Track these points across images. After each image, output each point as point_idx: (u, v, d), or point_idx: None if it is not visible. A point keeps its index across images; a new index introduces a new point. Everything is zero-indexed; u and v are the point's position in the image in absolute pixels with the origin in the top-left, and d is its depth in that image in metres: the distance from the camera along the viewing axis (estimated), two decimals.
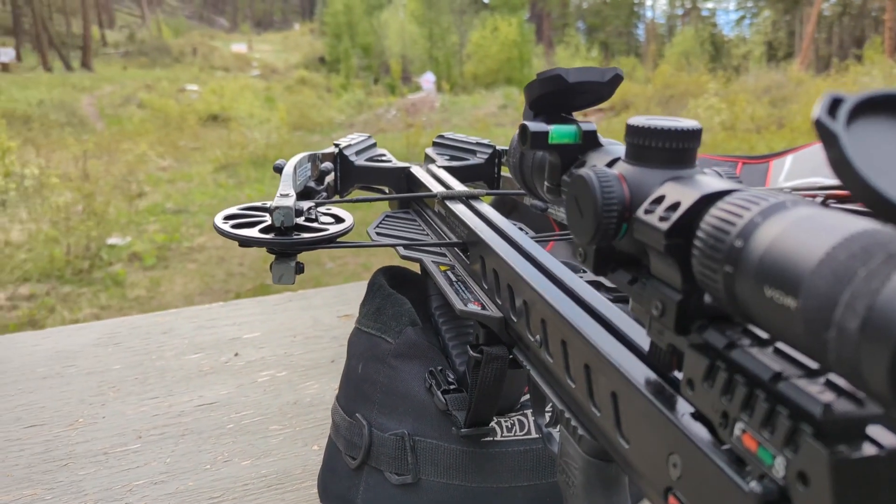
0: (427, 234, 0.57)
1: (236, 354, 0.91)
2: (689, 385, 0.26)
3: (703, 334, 0.26)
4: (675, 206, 0.26)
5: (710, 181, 0.27)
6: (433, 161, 0.70)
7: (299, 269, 0.49)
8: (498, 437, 0.52)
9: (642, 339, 0.32)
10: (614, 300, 0.36)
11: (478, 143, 0.72)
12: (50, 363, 0.89)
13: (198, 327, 0.99)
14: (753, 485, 0.22)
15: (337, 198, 0.67)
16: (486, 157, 0.70)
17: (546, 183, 0.35)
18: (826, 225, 0.20)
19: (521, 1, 21.44)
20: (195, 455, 0.70)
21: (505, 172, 0.71)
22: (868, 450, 0.20)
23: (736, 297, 0.23)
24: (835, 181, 0.78)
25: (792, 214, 0.22)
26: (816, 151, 0.90)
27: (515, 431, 0.52)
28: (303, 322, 1.01)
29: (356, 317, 0.61)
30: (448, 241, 0.53)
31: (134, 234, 4.92)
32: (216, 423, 0.75)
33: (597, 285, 0.41)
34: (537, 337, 0.38)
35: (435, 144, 0.75)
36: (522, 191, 0.51)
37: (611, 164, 0.31)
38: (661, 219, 0.26)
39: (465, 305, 0.44)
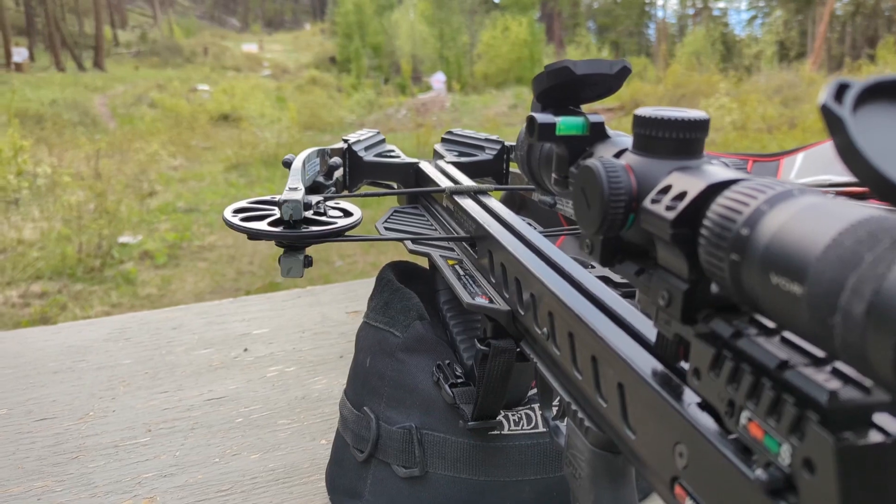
0: (435, 229, 0.57)
1: (245, 350, 0.91)
2: (695, 374, 0.26)
3: (710, 324, 0.26)
4: (681, 196, 0.26)
5: (716, 171, 0.27)
6: (442, 157, 0.70)
7: (308, 262, 0.49)
8: (505, 431, 0.52)
9: (649, 331, 0.32)
10: (623, 295, 0.36)
11: (486, 139, 0.72)
12: (61, 358, 0.89)
13: (207, 323, 1.00)
14: (759, 472, 0.22)
15: (346, 192, 0.67)
16: (494, 152, 0.70)
17: (554, 175, 0.35)
18: (832, 212, 0.20)
19: (532, 0, 21.40)
20: (204, 448, 0.70)
21: (513, 168, 0.71)
22: (874, 437, 0.20)
23: (742, 286, 0.23)
24: (846, 178, 0.78)
25: (798, 202, 0.22)
26: (827, 149, 0.89)
27: (523, 425, 0.52)
28: (311, 318, 1.02)
29: (364, 312, 0.61)
30: (456, 235, 0.53)
31: (145, 232, 4.94)
32: (225, 417, 0.76)
33: (605, 280, 0.41)
34: (544, 330, 0.39)
35: (444, 140, 0.75)
36: (531, 186, 0.51)
37: (618, 155, 0.31)
38: (668, 208, 0.26)
39: (473, 299, 0.44)
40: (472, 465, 0.51)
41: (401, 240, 0.53)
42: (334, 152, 0.66)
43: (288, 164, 0.57)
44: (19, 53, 16.42)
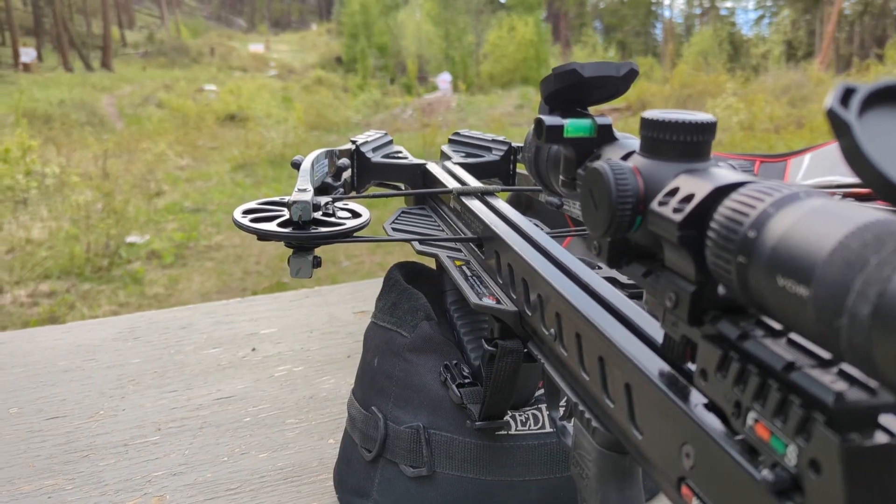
0: (442, 230, 0.57)
1: (254, 349, 0.92)
2: (702, 375, 0.26)
3: (717, 325, 0.26)
4: (689, 198, 0.26)
5: (723, 173, 0.27)
6: (449, 158, 0.70)
7: (316, 262, 0.50)
8: (512, 431, 0.52)
9: (656, 332, 0.32)
10: (630, 296, 0.36)
11: (493, 140, 0.72)
12: (71, 357, 0.90)
13: (216, 322, 1.00)
14: (765, 473, 0.23)
15: (354, 193, 0.67)
16: (501, 153, 0.70)
17: (561, 177, 0.36)
18: (838, 215, 0.20)
19: (538, 0, 21.38)
20: (213, 447, 0.71)
21: (520, 169, 0.71)
22: (880, 438, 0.20)
23: (749, 288, 0.23)
24: (853, 179, 0.78)
25: (805, 205, 0.22)
26: (835, 150, 0.89)
27: (530, 425, 0.52)
28: (319, 318, 1.02)
29: (372, 312, 0.62)
30: (463, 236, 0.53)
31: (153, 232, 4.96)
32: (234, 416, 0.76)
33: (613, 281, 0.41)
34: (552, 330, 0.39)
35: (451, 142, 0.75)
36: (538, 187, 0.51)
37: (626, 157, 0.31)
38: (675, 210, 0.26)
39: (480, 299, 0.45)
40: (479, 465, 0.51)
41: (408, 240, 0.53)
42: (342, 153, 0.66)
43: (297, 166, 0.57)
44: (27, 54, 16.50)
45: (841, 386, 0.21)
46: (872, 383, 0.21)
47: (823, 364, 0.22)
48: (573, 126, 0.33)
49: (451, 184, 0.59)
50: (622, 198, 0.28)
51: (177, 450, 0.70)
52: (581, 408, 0.36)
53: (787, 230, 0.21)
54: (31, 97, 10.76)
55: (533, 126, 0.35)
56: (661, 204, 0.27)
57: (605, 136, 0.34)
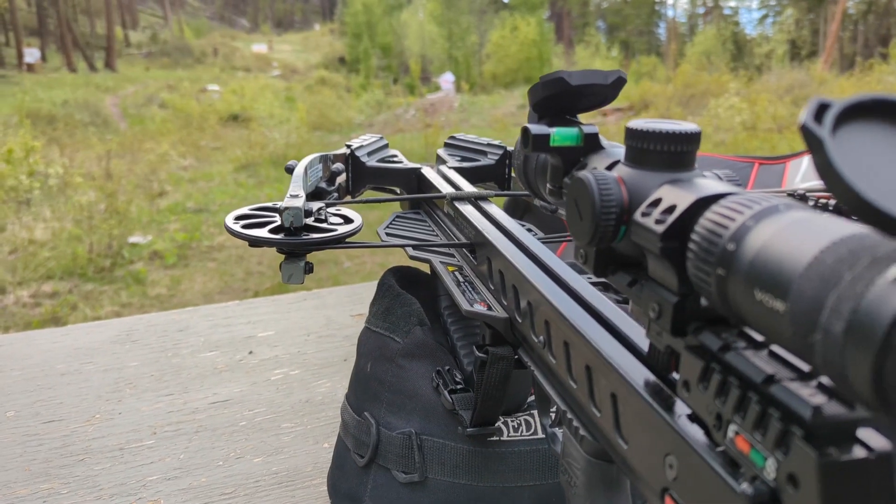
0: (436, 235, 0.57)
1: (250, 353, 0.92)
2: (685, 386, 0.26)
3: (699, 336, 0.26)
4: (671, 209, 0.26)
5: (706, 184, 0.27)
6: (444, 162, 0.70)
7: (308, 268, 0.50)
8: (504, 437, 0.52)
9: (643, 341, 0.32)
10: (621, 302, 0.36)
11: (489, 145, 0.72)
12: (69, 360, 0.90)
13: (213, 325, 1.01)
14: (745, 486, 0.23)
15: (348, 198, 0.67)
16: (496, 158, 0.70)
17: (549, 185, 0.36)
18: (816, 229, 0.20)
19: (541, 0, 21.36)
20: (208, 451, 0.71)
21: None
22: (858, 453, 0.20)
23: (728, 300, 0.23)
24: None
25: (783, 218, 0.22)
26: None
27: (522, 431, 0.52)
28: (316, 321, 1.02)
29: (366, 317, 0.62)
30: (456, 241, 0.53)
31: (155, 232, 4.97)
32: (229, 420, 0.76)
33: (604, 287, 0.41)
34: (541, 338, 0.39)
35: (446, 145, 0.75)
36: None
37: (611, 166, 0.31)
38: (658, 221, 0.26)
39: (471, 306, 0.45)
40: (471, 470, 0.51)
41: (402, 246, 0.53)
42: (337, 158, 0.66)
43: (290, 171, 0.57)
44: (31, 54, 16.54)
45: (819, 400, 0.21)
46: (851, 397, 0.21)
47: (803, 377, 0.22)
48: (560, 135, 0.33)
49: (446, 188, 0.59)
50: (606, 208, 0.28)
51: (172, 454, 0.70)
52: (569, 416, 0.36)
53: (765, 243, 0.21)
54: (35, 97, 10.79)
55: (520, 134, 0.35)
56: (644, 215, 0.27)
57: (591, 144, 0.34)
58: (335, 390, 0.83)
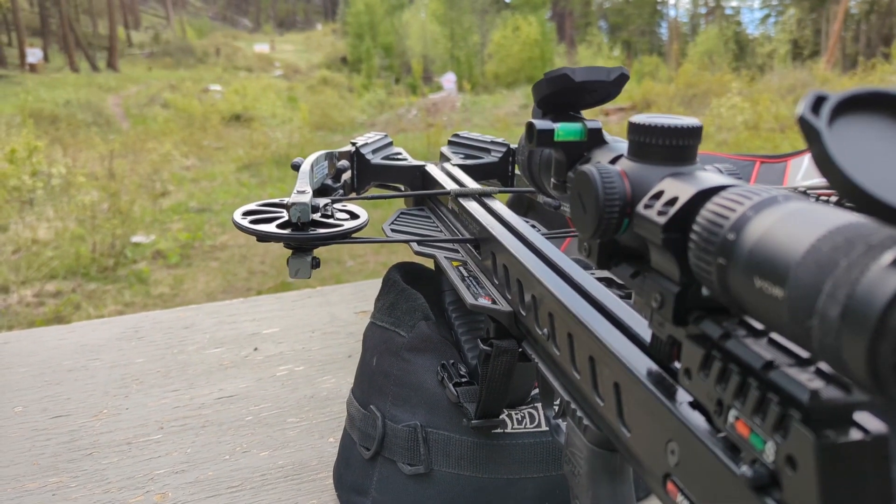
0: (440, 231, 0.58)
1: (256, 349, 0.93)
2: (686, 374, 0.27)
3: (700, 325, 0.26)
4: (672, 201, 0.27)
5: (707, 177, 0.27)
6: (448, 159, 0.71)
7: (315, 263, 0.50)
8: (509, 430, 0.53)
9: (645, 332, 0.32)
10: (624, 296, 0.37)
11: (492, 142, 0.73)
12: (75, 356, 0.91)
13: (219, 322, 1.01)
14: (745, 469, 0.23)
15: (354, 195, 0.68)
16: (500, 155, 0.71)
17: (553, 180, 0.36)
18: (813, 218, 0.21)
19: (543, 0, 21.36)
20: (215, 446, 0.71)
21: (519, 171, 0.72)
22: (854, 435, 0.21)
23: (729, 289, 0.24)
24: None
25: (782, 209, 0.22)
26: None
27: (526, 424, 0.53)
28: (321, 318, 1.03)
29: (371, 313, 0.62)
30: (461, 237, 0.54)
31: (158, 232, 4.99)
32: (235, 415, 0.77)
33: (608, 282, 0.42)
34: (545, 330, 0.39)
35: (450, 143, 0.76)
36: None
37: (614, 160, 0.32)
38: (660, 213, 0.27)
39: (476, 300, 0.45)
40: (475, 462, 0.52)
41: (406, 241, 0.54)
42: (342, 155, 0.67)
43: (296, 168, 0.58)
44: (34, 54, 16.57)
45: (817, 384, 0.21)
46: (848, 381, 0.21)
47: (801, 363, 0.23)
48: (563, 130, 0.34)
49: (450, 185, 0.60)
50: (609, 201, 0.29)
51: (179, 448, 0.71)
52: (573, 406, 0.37)
53: (765, 233, 0.22)
54: (38, 98, 10.81)
55: (525, 130, 0.36)
56: (647, 207, 0.28)
57: (594, 139, 0.34)
58: (339, 386, 0.83)
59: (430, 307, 0.58)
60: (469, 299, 0.45)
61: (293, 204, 0.48)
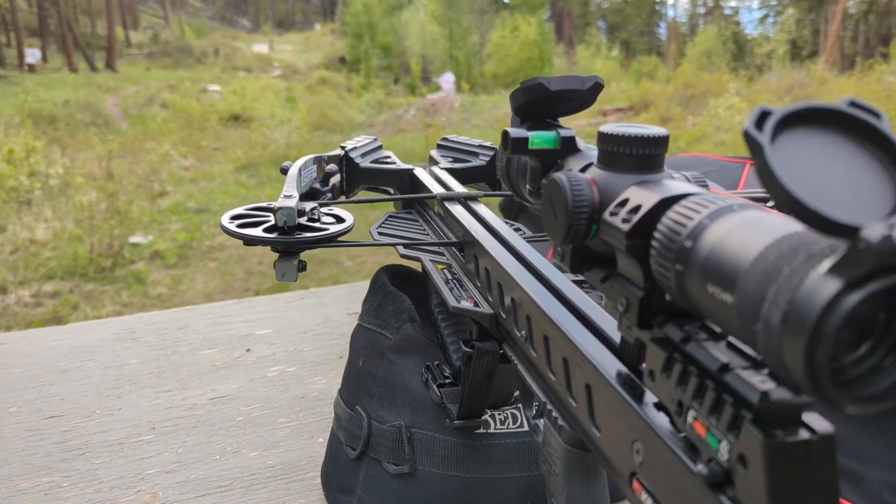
0: (427, 234, 0.59)
1: (248, 350, 0.94)
2: (650, 376, 0.28)
3: (664, 328, 0.27)
4: (636, 209, 0.28)
5: (672, 185, 0.28)
6: (437, 163, 0.72)
7: (301, 266, 0.51)
8: (491, 430, 0.53)
9: (616, 334, 0.33)
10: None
11: (480, 146, 0.73)
12: (70, 357, 0.92)
13: (212, 324, 1.02)
14: (701, 467, 0.24)
15: (342, 198, 0.69)
16: (487, 158, 0.72)
17: (528, 186, 0.37)
18: (764, 227, 0.22)
19: (542, 0, 21.37)
20: (206, 446, 0.72)
21: None
22: (802, 434, 0.22)
23: (686, 294, 0.24)
24: None
25: (737, 217, 0.23)
26: None
27: (508, 424, 0.54)
28: (313, 319, 1.04)
29: (359, 314, 0.63)
30: (446, 240, 0.55)
31: (156, 232, 4.99)
32: (227, 415, 0.78)
33: (591, 286, 0.43)
34: (523, 332, 0.40)
35: (439, 147, 0.77)
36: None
37: (584, 168, 0.33)
38: (624, 220, 0.28)
39: (459, 302, 0.46)
40: (459, 462, 0.53)
41: (393, 245, 0.55)
42: (331, 159, 0.67)
43: (285, 172, 0.59)
44: (32, 54, 16.56)
45: (767, 386, 0.22)
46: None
47: (756, 365, 0.24)
48: (538, 138, 0.35)
49: (437, 189, 0.60)
50: (578, 208, 0.30)
51: (170, 448, 0.72)
52: (549, 406, 0.38)
53: (718, 241, 0.23)
54: (36, 98, 10.81)
55: (501, 138, 0.36)
56: (612, 214, 0.29)
57: (568, 147, 0.35)
58: (330, 387, 0.84)
59: (417, 309, 0.59)
60: (452, 302, 0.46)
61: (279, 208, 0.49)
